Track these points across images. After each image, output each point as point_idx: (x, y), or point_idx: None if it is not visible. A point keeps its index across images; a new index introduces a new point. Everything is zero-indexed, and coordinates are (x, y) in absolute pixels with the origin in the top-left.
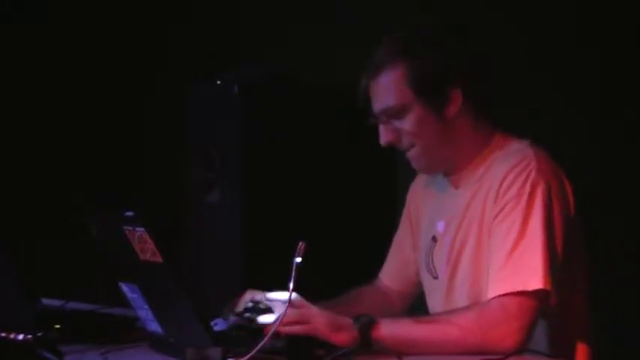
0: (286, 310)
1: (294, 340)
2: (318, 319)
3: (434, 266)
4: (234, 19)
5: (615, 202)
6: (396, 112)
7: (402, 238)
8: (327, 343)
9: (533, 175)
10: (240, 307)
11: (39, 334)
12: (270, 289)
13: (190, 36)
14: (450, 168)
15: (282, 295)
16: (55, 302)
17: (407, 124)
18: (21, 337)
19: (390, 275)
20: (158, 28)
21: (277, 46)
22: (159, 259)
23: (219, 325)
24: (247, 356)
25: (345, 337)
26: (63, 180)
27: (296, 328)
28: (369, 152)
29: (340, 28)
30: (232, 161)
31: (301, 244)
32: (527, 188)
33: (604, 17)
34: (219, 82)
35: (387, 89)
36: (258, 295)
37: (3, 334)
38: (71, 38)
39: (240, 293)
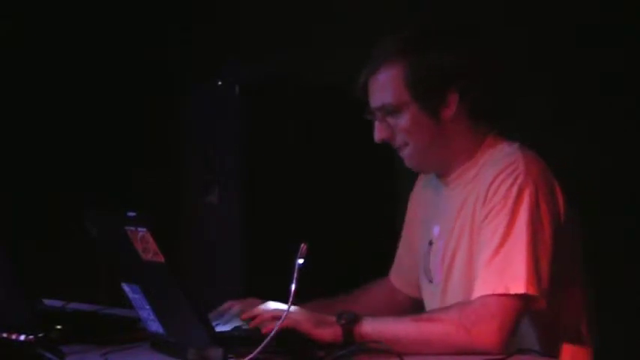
0: (287, 309)
1: (291, 339)
2: (299, 314)
3: (430, 270)
4: (234, 19)
5: (615, 202)
6: (392, 110)
7: (403, 242)
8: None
9: (520, 178)
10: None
11: (40, 335)
12: (272, 292)
13: (191, 36)
14: (443, 169)
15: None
16: (57, 303)
17: (402, 122)
18: (22, 337)
19: (396, 278)
20: (158, 29)
21: (277, 46)
22: (161, 259)
23: (220, 325)
24: (248, 357)
25: (328, 332)
26: (63, 180)
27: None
28: (368, 152)
29: (340, 28)
30: (232, 161)
31: (303, 246)
32: (514, 191)
33: (604, 17)
34: (219, 83)
35: (384, 87)
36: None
37: (4, 335)
38: (71, 38)
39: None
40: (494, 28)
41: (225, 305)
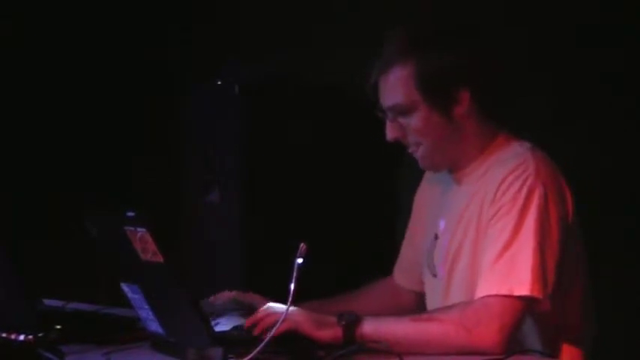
0: (287, 310)
1: (291, 339)
2: (299, 315)
3: (434, 264)
4: (234, 19)
5: (615, 202)
6: (403, 110)
7: (408, 238)
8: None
9: (530, 180)
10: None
11: (40, 335)
12: (271, 291)
13: (191, 36)
14: (454, 165)
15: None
16: (56, 303)
17: (413, 122)
18: (22, 337)
19: (400, 275)
20: (158, 29)
21: (277, 46)
22: (160, 259)
23: (220, 325)
24: (248, 357)
25: (328, 333)
26: (63, 180)
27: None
28: (368, 152)
29: (340, 28)
30: (232, 161)
31: (302, 245)
32: (524, 193)
33: (604, 17)
34: (219, 83)
35: (395, 87)
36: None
37: (4, 335)
38: (71, 38)
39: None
40: (494, 28)
41: (218, 295)
